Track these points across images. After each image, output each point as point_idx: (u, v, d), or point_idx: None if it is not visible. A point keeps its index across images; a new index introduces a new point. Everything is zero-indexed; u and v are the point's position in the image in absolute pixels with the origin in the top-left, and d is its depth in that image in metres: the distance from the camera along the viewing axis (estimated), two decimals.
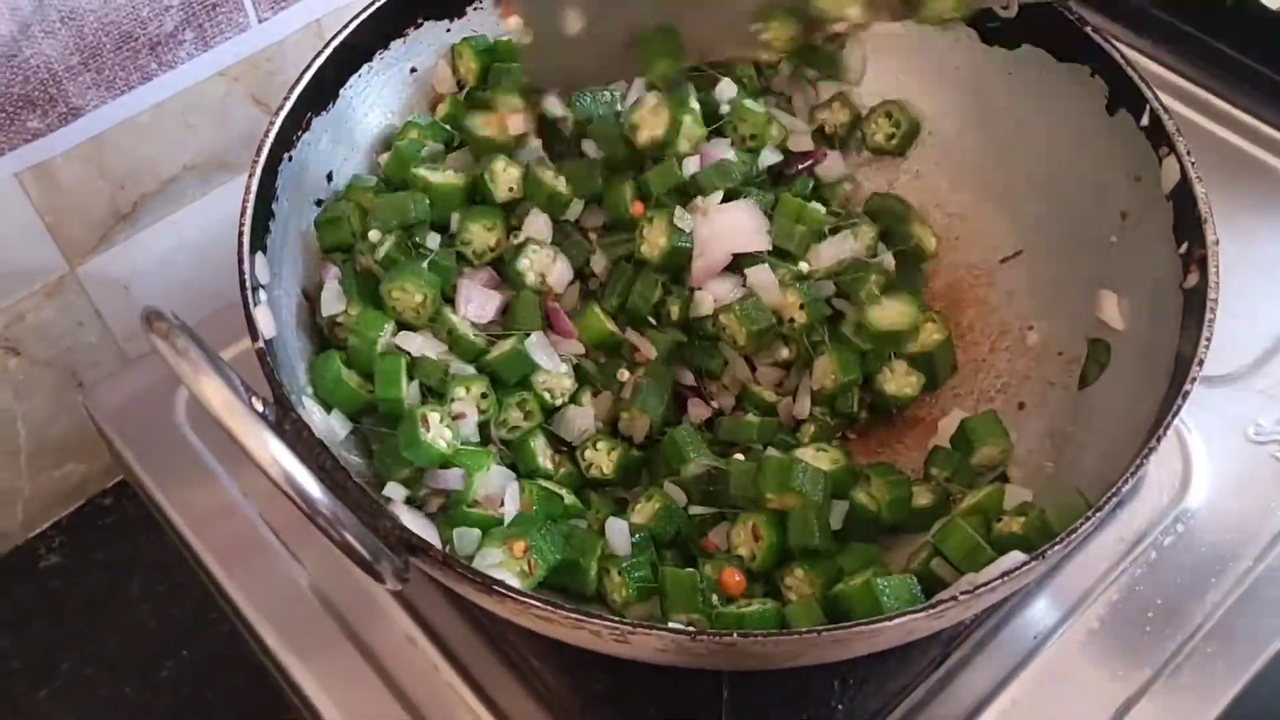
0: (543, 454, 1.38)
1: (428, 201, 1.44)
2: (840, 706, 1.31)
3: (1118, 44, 1.39)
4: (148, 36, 1.55)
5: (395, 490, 1.27)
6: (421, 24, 1.51)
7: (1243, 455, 1.49)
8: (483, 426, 1.35)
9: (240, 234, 1.25)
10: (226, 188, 1.77)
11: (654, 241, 1.44)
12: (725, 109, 1.55)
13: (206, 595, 1.47)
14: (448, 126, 1.54)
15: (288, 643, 1.38)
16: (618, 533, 1.29)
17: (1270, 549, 1.42)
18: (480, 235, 1.45)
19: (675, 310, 1.46)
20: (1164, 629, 1.36)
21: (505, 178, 1.47)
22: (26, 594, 1.84)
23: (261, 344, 1.18)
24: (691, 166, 1.47)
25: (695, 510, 1.36)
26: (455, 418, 1.31)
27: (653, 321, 1.47)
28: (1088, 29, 1.40)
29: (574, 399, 1.42)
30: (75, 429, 1.78)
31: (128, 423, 1.55)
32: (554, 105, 1.52)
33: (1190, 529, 1.44)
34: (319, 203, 1.44)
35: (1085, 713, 1.32)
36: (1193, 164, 1.30)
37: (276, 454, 0.96)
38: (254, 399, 1.11)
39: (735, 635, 1.03)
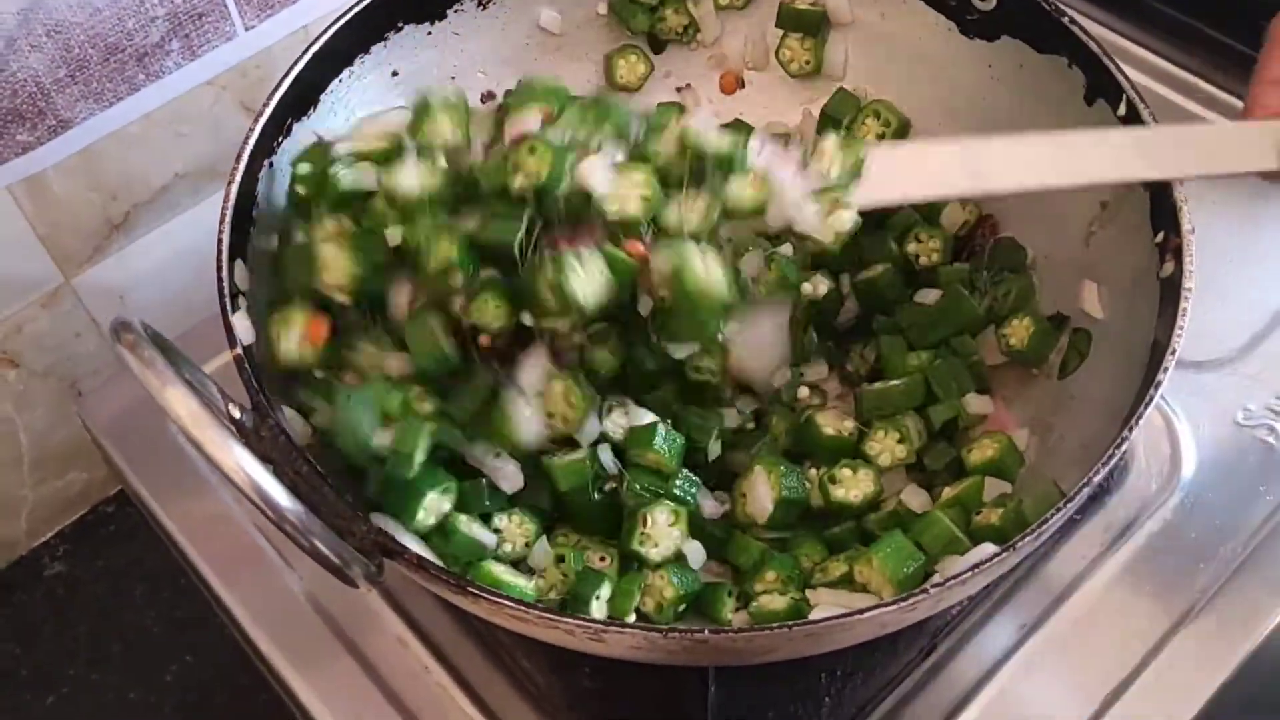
0: None
1: None
2: (828, 699, 1.32)
3: (1099, 29, 1.39)
4: (135, 48, 1.56)
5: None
6: (402, 28, 1.50)
7: (1232, 439, 1.49)
8: None
9: (219, 240, 1.26)
10: (218, 196, 1.74)
11: None
12: None
13: (208, 600, 1.49)
14: None
15: (281, 647, 1.39)
16: None
17: (1259, 532, 1.41)
18: None
19: None
20: (1153, 616, 1.36)
21: None
22: (32, 602, 1.86)
23: (240, 350, 1.19)
24: None
25: None
26: None
27: None
28: (1064, 19, 1.39)
29: None
30: (76, 438, 1.78)
31: (122, 432, 1.56)
32: None
33: (1179, 515, 1.44)
34: None
35: (1074, 701, 1.32)
36: None
37: (242, 462, 0.97)
38: (232, 406, 1.13)
39: (706, 631, 1.04)
